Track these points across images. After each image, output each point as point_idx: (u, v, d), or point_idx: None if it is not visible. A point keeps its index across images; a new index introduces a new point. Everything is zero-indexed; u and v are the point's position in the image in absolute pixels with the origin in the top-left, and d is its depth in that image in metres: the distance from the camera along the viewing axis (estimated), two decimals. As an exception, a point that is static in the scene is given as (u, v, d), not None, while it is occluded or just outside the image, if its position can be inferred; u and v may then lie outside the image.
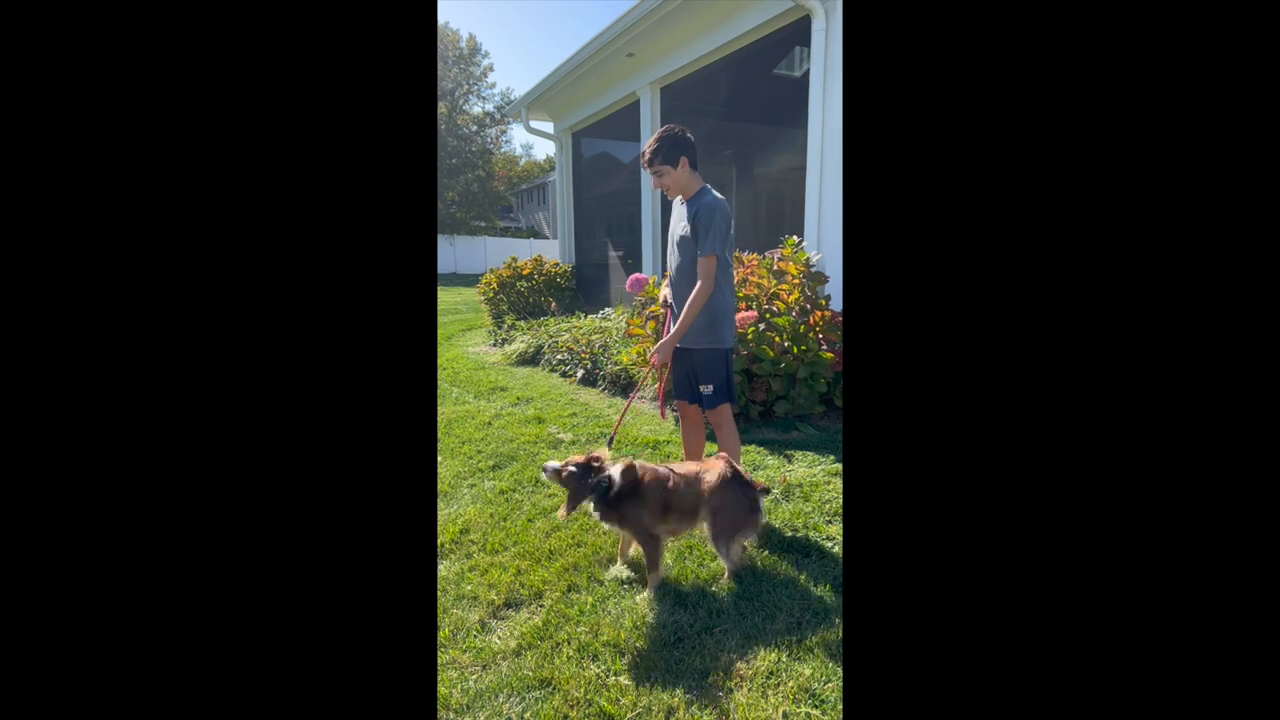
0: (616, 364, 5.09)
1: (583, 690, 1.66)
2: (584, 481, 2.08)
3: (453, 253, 26.95)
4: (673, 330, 2.42)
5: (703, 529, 2.16)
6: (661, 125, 6.87)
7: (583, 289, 9.01)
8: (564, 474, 2.11)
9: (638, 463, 2.16)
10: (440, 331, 8.91)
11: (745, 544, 2.18)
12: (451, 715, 1.60)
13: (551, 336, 6.38)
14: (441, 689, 1.68)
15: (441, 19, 53.31)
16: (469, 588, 2.19)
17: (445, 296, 15.07)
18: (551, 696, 1.65)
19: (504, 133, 34.07)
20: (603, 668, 1.75)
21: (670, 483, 2.11)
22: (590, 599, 2.09)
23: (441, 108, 31.02)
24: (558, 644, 1.86)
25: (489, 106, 32.42)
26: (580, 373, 5.39)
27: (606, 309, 7.45)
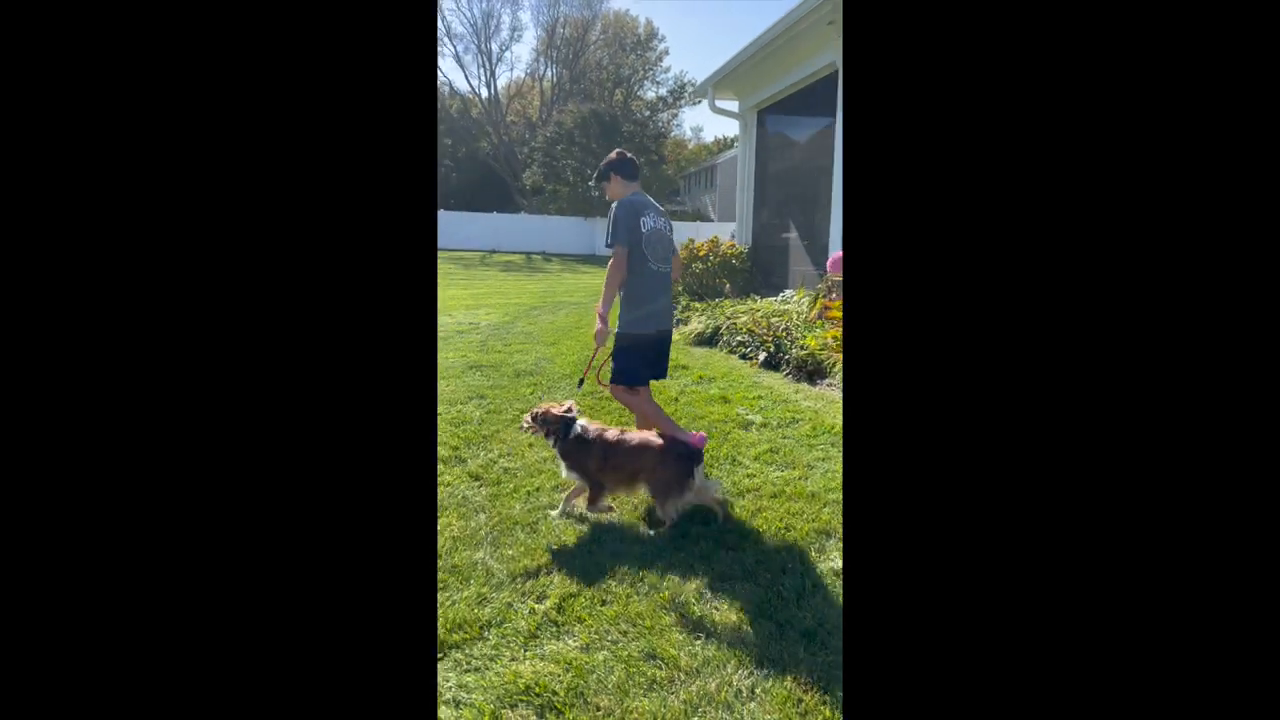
0: (803, 348, 4.91)
1: (816, 675, 1.61)
2: (549, 424, 2.56)
3: (622, 235, 27.89)
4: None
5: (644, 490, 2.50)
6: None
7: (759, 270, 8.84)
8: (537, 417, 2.60)
9: (592, 423, 2.59)
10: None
11: (680, 504, 2.43)
12: (682, 676, 1.64)
13: (729, 318, 6.33)
14: (670, 650, 1.73)
15: (620, 6, 54.87)
16: (682, 555, 2.23)
17: (617, 277, 15.65)
18: (782, 678, 1.62)
19: (675, 117, 34.45)
20: (832, 657, 1.68)
21: (616, 444, 2.49)
22: (808, 582, 2.03)
23: (617, 95, 32.05)
24: (780, 625, 1.82)
25: (662, 91, 32.90)
26: (763, 355, 5.28)
27: (786, 291, 7.22)
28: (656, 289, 2.81)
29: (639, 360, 2.84)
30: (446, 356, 5.60)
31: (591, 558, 2.23)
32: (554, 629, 1.83)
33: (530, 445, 3.27)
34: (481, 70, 33.63)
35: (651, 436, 2.51)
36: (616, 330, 2.81)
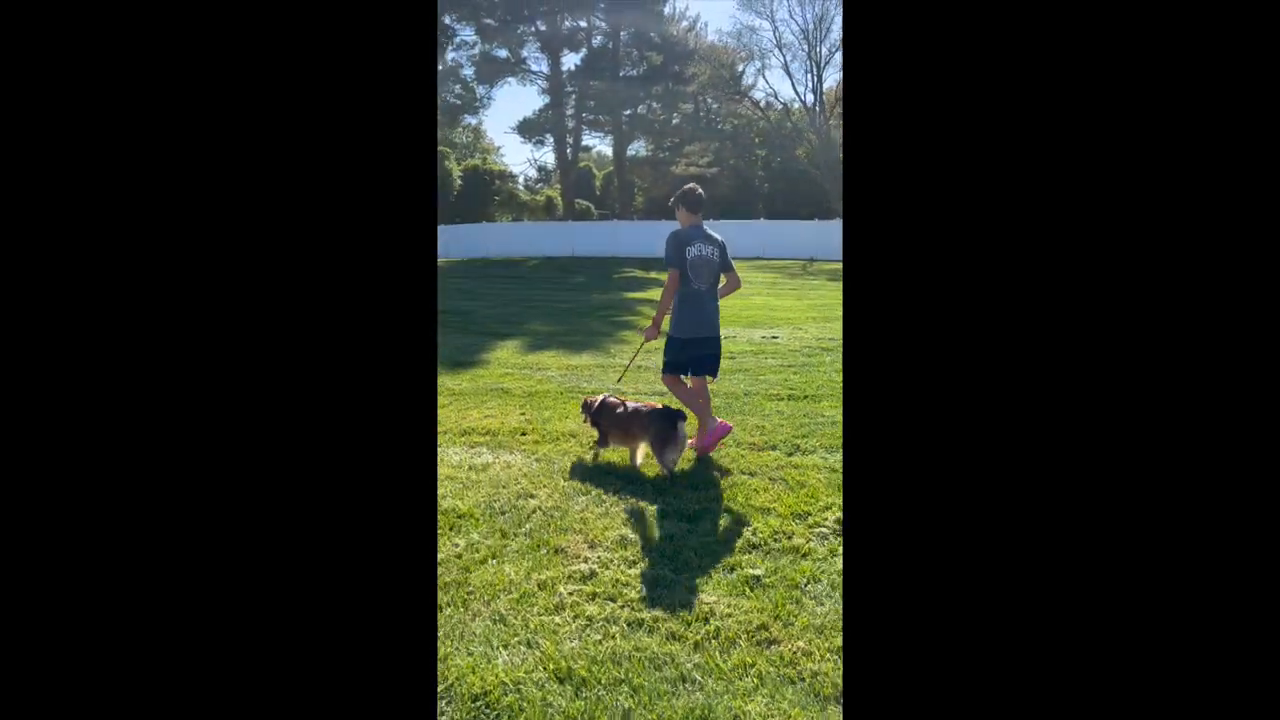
0: None
1: None
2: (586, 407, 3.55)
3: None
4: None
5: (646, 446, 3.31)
6: None
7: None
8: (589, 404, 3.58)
9: (611, 399, 3.48)
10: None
11: (675, 457, 3.19)
12: None
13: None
14: None
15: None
16: None
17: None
18: None
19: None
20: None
21: (619, 410, 3.36)
22: None
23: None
24: None
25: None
26: None
27: None
28: (696, 304, 3.49)
29: (677, 357, 3.57)
30: (831, 377, 5.04)
31: None
32: None
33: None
34: (808, 76, 33.20)
35: (643, 406, 3.33)
36: (667, 334, 3.57)
